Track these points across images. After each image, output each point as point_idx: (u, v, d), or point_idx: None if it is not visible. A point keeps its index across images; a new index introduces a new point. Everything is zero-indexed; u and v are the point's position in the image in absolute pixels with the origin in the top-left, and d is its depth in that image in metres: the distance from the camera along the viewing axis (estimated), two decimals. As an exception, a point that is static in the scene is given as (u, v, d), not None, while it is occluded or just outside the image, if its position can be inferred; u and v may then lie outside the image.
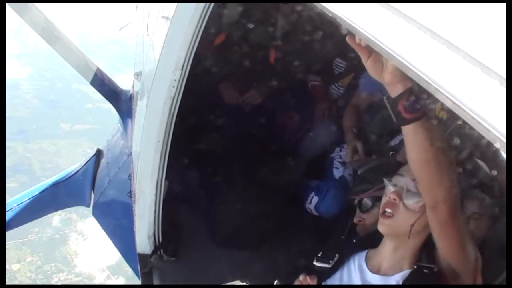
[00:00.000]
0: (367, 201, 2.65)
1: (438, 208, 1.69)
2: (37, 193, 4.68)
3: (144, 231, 3.27)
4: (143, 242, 3.31)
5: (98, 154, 4.61)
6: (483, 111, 0.88)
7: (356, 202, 2.71)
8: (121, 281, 22.98)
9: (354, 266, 2.07)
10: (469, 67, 0.93)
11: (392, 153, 3.20)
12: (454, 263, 1.81)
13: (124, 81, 5.01)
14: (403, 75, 1.48)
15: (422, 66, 1.02)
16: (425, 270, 1.86)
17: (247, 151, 3.64)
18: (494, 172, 3.25)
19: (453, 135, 3.00)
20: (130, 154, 3.82)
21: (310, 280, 2.07)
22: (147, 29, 3.55)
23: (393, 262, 1.95)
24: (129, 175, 3.70)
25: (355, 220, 2.74)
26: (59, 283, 22.08)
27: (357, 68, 3.71)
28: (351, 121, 3.68)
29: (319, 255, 2.19)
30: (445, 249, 1.81)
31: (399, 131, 3.31)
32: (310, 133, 3.87)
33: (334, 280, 2.08)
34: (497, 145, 0.88)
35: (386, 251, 1.98)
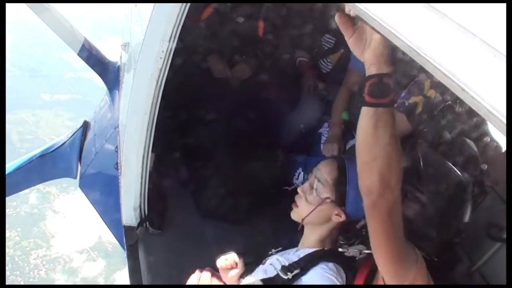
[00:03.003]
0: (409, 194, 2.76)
1: (376, 208, 1.62)
2: (23, 164, 4.77)
3: (130, 203, 3.39)
4: (129, 214, 3.45)
5: (85, 126, 4.68)
6: (476, 85, 0.89)
7: None
8: (100, 263, 23.08)
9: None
10: (463, 38, 0.92)
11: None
12: (388, 276, 1.78)
13: (104, 49, 5.01)
14: (383, 59, 1.51)
15: (413, 36, 1.03)
16: (325, 248, 2.22)
17: (233, 127, 3.76)
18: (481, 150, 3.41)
19: (442, 115, 3.16)
20: (117, 126, 3.88)
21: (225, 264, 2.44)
22: (135, -1, 3.61)
23: (303, 242, 2.31)
24: (116, 147, 3.78)
25: None
26: (38, 260, 22.23)
27: (347, 44, 3.81)
28: (341, 108, 3.74)
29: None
30: (380, 264, 1.78)
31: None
32: (297, 108, 4.00)
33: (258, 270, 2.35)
34: (492, 122, 0.88)
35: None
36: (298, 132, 3.99)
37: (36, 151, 4.93)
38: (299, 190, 2.28)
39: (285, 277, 2.09)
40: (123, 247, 3.62)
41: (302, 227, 2.33)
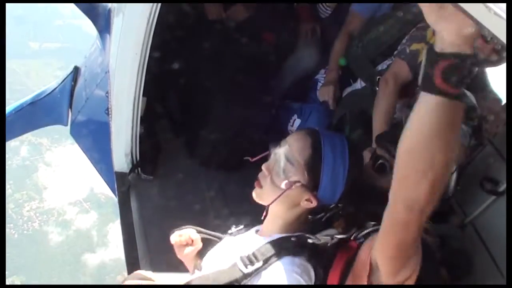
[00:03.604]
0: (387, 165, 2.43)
1: (408, 223, 1.39)
2: (13, 111, 4.75)
3: (121, 149, 3.41)
4: (120, 160, 3.47)
5: (76, 71, 4.62)
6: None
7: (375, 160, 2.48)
8: (93, 215, 23.40)
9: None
10: None
11: (378, 78, 3.33)
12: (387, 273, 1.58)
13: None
14: (470, 37, 1.15)
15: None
16: (292, 239, 1.87)
17: (229, 70, 3.67)
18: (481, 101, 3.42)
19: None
20: (108, 71, 3.86)
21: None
22: None
23: (268, 225, 2.00)
24: (107, 92, 3.73)
25: None
26: (31, 212, 22.53)
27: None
28: (339, 53, 3.72)
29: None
30: (384, 261, 1.58)
31: (387, 56, 3.45)
32: (293, 54, 3.98)
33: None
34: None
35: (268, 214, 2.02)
36: (294, 78, 3.98)
37: (25, 99, 4.91)
38: (263, 167, 1.94)
39: (244, 271, 1.82)
40: (115, 194, 3.65)
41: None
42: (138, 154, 3.43)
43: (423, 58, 1.24)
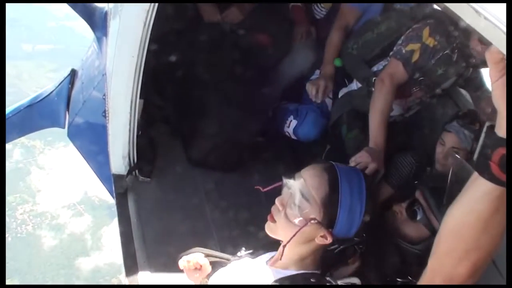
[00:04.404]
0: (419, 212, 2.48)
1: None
2: (10, 115, 4.74)
3: (119, 151, 3.42)
4: (118, 163, 3.48)
5: (73, 74, 4.63)
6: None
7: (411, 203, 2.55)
8: (87, 218, 23.32)
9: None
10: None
11: (374, 79, 3.37)
12: None
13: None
14: None
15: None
16: (312, 279, 1.83)
17: (224, 74, 3.70)
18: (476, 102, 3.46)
19: (439, 64, 3.20)
20: (105, 73, 3.88)
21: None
22: None
23: (281, 258, 1.91)
24: (104, 95, 3.76)
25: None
26: (25, 215, 22.45)
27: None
28: (334, 48, 3.76)
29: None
30: None
31: (382, 56, 3.50)
32: (289, 55, 4.01)
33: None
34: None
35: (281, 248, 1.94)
36: (290, 80, 4.01)
37: (22, 102, 4.92)
38: (277, 201, 1.86)
39: None
40: (112, 196, 3.66)
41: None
42: (135, 156, 3.45)
43: (481, 136, 1.21)
